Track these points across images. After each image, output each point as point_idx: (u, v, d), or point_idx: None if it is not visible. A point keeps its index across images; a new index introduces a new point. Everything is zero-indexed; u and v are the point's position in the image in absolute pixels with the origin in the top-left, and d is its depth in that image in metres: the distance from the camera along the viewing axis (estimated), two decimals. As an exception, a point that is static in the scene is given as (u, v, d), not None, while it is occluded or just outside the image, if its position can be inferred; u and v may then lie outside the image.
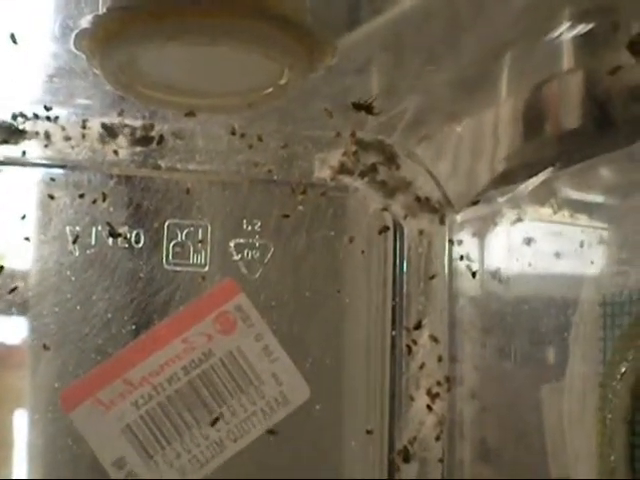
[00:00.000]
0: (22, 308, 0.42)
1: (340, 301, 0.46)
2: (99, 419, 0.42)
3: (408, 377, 0.46)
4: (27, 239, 0.43)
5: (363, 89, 0.41)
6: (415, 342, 0.46)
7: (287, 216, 0.45)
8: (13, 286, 0.42)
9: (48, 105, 0.43)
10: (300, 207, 0.45)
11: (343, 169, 0.46)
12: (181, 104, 0.40)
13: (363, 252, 0.46)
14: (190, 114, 0.41)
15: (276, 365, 0.44)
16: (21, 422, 0.42)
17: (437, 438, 0.45)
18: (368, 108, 0.40)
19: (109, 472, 0.42)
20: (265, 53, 0.35)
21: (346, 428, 0.45)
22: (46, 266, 0.43)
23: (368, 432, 0.45)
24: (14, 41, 0.35)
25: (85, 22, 0.34)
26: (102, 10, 0.33)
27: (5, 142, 0.43)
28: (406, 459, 0.45)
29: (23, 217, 0.43)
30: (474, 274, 0.44)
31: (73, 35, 0.35)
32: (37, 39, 0.36)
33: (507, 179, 0.43)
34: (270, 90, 0.39)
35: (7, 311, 0.42)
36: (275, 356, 0.44)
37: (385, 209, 0.47)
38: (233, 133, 0.44)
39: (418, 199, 0.47)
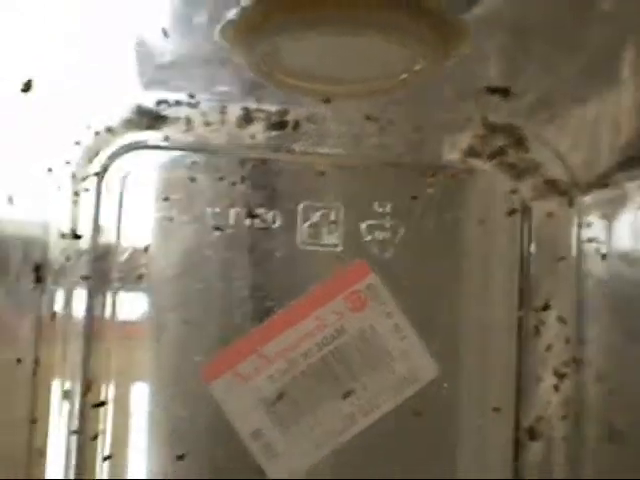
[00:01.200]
0: (165, 285, 0.45)
1: (469, 281, 0.47)
2: (237, 392, 0.44)
3: (535, 357, 0.47)
4: (170, 219, 0.45)
5: (491, 73, 0.42)
6: (543, 323, 0.46)
7: (417, 198, 0.46)
8: (157, 264, 0.45)
9: (191, 93, 0.44)
10: (430, 189, 0.47)
11: (472, 152, 0.47)
12: (318, 91, 0.41)
13: (491, 234, 0.47)
14: (326, 101, 0.42)
15: (405, 343, 0.46)
16: (163, 394, 0.44)
17: (563, 418, 0.46)
18: (504, 92, 0.41)
19: (246, 443, 0.44)
20: (401, 42, 0.36)
21: (473, 406, 0.46)
22: (187, 245, 0.45)
23: (495, 410, 0.46)
24: (165, 35, 0.37)
25: (230, 14, 0.36)
26: (246, 3, 0.35)
27: (149, 128, 0.46)
28: (532, 437, 0.46)
29: (166, 199, 0.45)
30: (604, 256, 0.45)
31: (218, 27, 0.36)
32: (183, 32, 0.38)
33: (634, 162, 0.43)
34: (405, 76, 0.40)
35: (151, 288, 0.45)
36: (405, 334, 0.46)
37: (514, 191, 0.47)
38: (367, 118, 0.45)
39: (546, 181, 0.47)
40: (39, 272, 0.43)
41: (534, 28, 0.37)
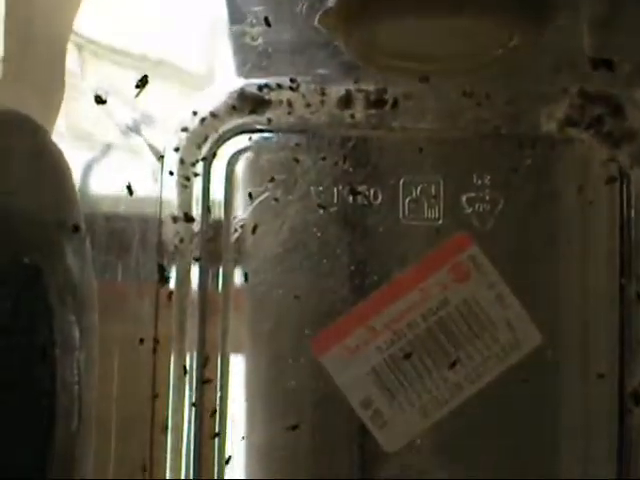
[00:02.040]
0: (275, 262, 0.47)
1: (569, 250, 0.47)
2: (347, 363, 0.46)
3: (638, 323, 0.47)
4: (276, 199, 0.47)
5: (586, 43, 0.42)
6: (645, 289, 0.47)
7: (516, 169, 0.47)
8: (265, 243, 0.47)
9: (292, 77, 0.46)
10: (528, 160, 0.47)
11: (569, 122, 0.48)
12: (415, 70, 0.43)
13: (591, 202, 0.47)
14: (423, 79, 0.43)
15: (509, 312, 0.47)
16: (275, 367, 0.46)
17: (667, 382, 0.47)
18: (607, 64, 0.41)
19: (357, 411, 0.46)
20: (497, 20, 0.37)
21: (577, 372, 0.47)
22: (294, 224, 0.47)
23: (599, 376, 0.47)
24: (268, 24, 0.38)
25: (329, 2, 0.37)
26: (345, -9, 0.36)
27: (253, 112, 0.47)
28: (637, 402, 0.47)
29: (271, 180, 0.47)
30: None
31: (318, 14, 0.38)
32: (285, 20, 0.39)
33: None
34: (500, 52, 0.40)
35: (261, 266, 0.47)
36: (508, 303, 0.47)
37: (612, 159, 0.48)
38: (463, 93, 0.46)
39: (645, 148, 0.48)
40: (156, 254, 0.46)
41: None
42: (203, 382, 0.46)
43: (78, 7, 0.40)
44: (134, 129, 0.46)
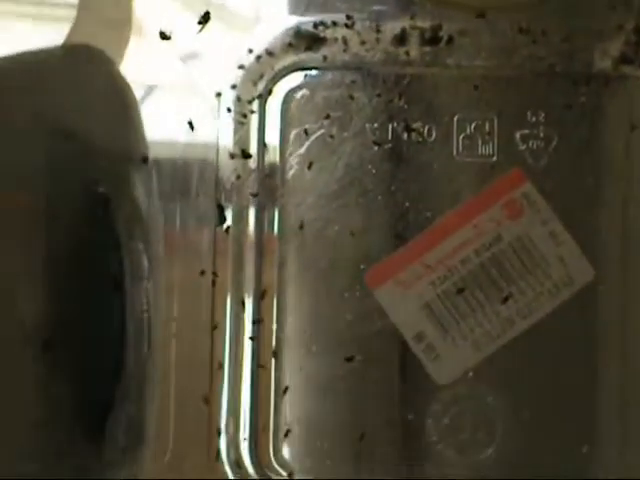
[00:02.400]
0: (330, 199, 0.47)
1: (623, 186, 0.48)
2: (400, 298, 0.47)
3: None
4: (331, 136, 0.47)
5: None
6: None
7: (570, 107, 0.47)
8: (321, 180, 0.47)
9: (347, 14, 0.46)
10: (582, 98, 0.47)
11: (624, 59, 0.48)
12: (472, 6, 0.43)
13: (644, 139, 0.47)
14: (480, 15, 0.44)
15: (562, 248, 0.47)
16: (331, 300, 0.47)
17: None
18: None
19: (411, 343, 0.47)
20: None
21: (630, 306, 0.48)
22: (349, 161, 0.48)
23: (651, 311, 0.47)
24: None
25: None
26: None
27: (309, 49, 0.48)
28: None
29: (326, 117, 0.48)
30: None
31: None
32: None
33: None
34: (558, -13, 0.41)
35: (316, 203, 0.47)
36: (561, 240, 0.47)
37: (667, 96, 0.48)
38: (519, 30, 0.47)
39: (700, 85, 0.48)
40: (214, 191, 0.46)
41: None
42: (259, 318, 0.47)
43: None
44: (192, 67, 0.46)
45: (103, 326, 0.38)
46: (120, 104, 0.39)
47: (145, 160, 0.41)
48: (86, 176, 0.38)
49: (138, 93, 0.44)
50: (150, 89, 0.44)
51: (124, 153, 0.40)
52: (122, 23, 0.40)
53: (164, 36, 0.44)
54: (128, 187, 0.39)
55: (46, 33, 0.40)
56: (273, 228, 0.48)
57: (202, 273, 0.46)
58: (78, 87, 0.37)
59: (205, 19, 0.44)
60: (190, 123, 0.46)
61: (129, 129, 0.40)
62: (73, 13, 0.40)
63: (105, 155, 0.38)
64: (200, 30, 0.45)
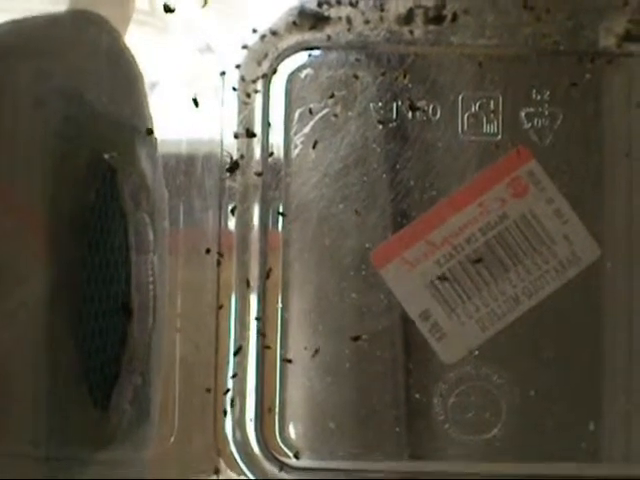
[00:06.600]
0: (334, 178, 0.47)
1: (628, 164, 0.48)
2: (406, 276, 0.47)
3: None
4: (336, 115, 0.47)
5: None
6: None
7: (575, 84, 0.47)
8: (326, 158, 0.47)
9: (353, -8, 0.46)
10: (587, 75, 0.47)
11: (628, 36, 0.48)
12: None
13: (650, 116, 0.47)
14: (485, -9, 0.43)
15: (567, 226, 0.47)
16: (337, 279, 0.47)
17: None
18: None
19: (416, 322, 0.47)
20: None
21: (635, 286, 0.48)
22: (353, 140, 0.47)
23: (656, 290, 0.47)
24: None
25: None
26: None
27: (312, 29, 0.48)
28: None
29: (331, 96, 0.47)
30: None
31: None
32: None
33: None
34: (564, -38, 0.40)
35: (321, 182, 0.47)
36: (566, 218, 0.47)
37: (672, 74, 0.48)
38: (523, 7, 0.46)
39: None
40: (219, 170, 0.46)
41: None
42: (269, 293, 0.47)
43: None
44: (196, 46, 0.46)
45: (109, 296, 0.38)
46: (125, 75, 0.39)
47: (150, 132, 0.41)
48: (93, 142, 0.37)
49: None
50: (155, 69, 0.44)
51: (130, 123, 0.40)
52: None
53: (168, 9, 0.44)
54: (134, 158, 0.39)
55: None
56: (278, 207, 0.48)
57: (207, 251, 0.46)
58: (84, 52, 0.37)
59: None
60: (195, 100, 0.46)
61: (134, 100, 0.40)
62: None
63: (111, 123, 0.38)
64: (204, 4, 0.45)
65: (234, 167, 0.46)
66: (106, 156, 0.37)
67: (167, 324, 0.44)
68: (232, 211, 0.47)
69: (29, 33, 0.37)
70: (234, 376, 0.47)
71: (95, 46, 0.38)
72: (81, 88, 0.37)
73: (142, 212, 0.38)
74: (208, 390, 0.46)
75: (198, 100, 0.46)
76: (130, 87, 0.39)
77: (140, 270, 0.38)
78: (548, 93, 0.47)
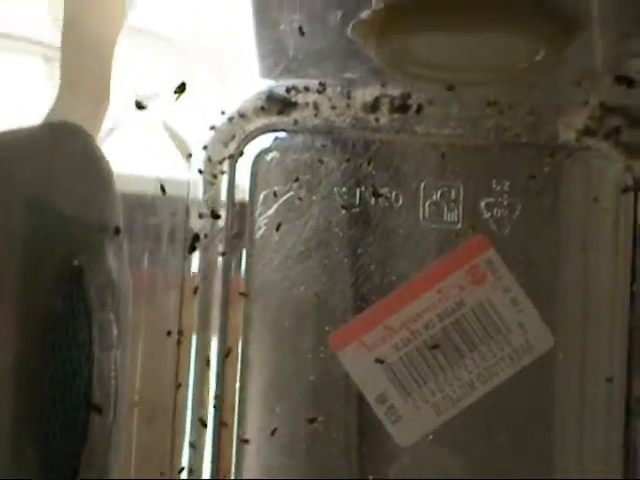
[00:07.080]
0: (296, 261, 0.48)
1: (584, 257, 0.49)
2: (363, 359, 0.48)
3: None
4: (300, 199, 0.48)
5: (604, 57, 0.43)
6: (656, 297, 0.48)
7: (534, 177, 0.48)
8: (289, 241, 0.48)
9: (320, 81, 0.47)
10: (546, 168, 0.49)
11: (587, 131, 0.49)
12: (443, 79, 0.44)
13: (606, 210, 0.49)
14: (450, 88, 0.45)
15: (523, 315, 0.48)
16: (295, 360, 0.48)
17: (675, 386, 0.48)
18: (628, 81, 0.43)
19: (372, 405, 0.47)
20: (525, 35, 0.38)
21: (587, 376, 0.48)
22: (316, 223, 0.48)
23: (608, 380, 0.48)
24: (302, 33, 0.40)
25: (362, 15, 0.38)
26: (377, 6, 0.38)
27: (280, 113, 0.49)
28: (643, 405, 0.48)
29: (296, 179, 0.48)
30: None
31: (351, 25, 0.39)
32: (318, 30, 0.41)
33: None
34: (526, 65, 0.42)
35: (283, 264, 0.48)
36: (522, 307, 0.48)
37: (628, 169, 0.49)
38: (487, 103, 0.48)
39: (661, 160, 0.49)
40: (182, 249, 0.47)
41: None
42: (228, 372, 0.47)
43: (125, 17, 0.41)
44: (163, 129, 0.47)
45: (71, 393, 0.38)
46: (95, 176, 0.40)
47: (117, 231, 0.42)
48: (62, 246, 0.38)
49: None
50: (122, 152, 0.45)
51: (98, 224, 0.40)
52: (101, 98, 0.41)
53: (140, 106, 0.45)
54: (102, 257, 0.40)
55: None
56: (239, 287, 0.48)
57: (169, 334, 0.47)
58: (55, 162, 0.38)
59: (181, 89, 0.45)
60: (162, 187, 0.46)
61: (103, 200, 0.40)
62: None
63: (80, 227, 0.39)
64: (177, 99, 0.46)
65: (197, 247, 0.47)
66: (75, 262, 0.37)
67: (127, 413, 0.44)
68: (195, 290, 0.47)
69: (2, 145, 0.37)
70: (190, 454, 0.47)
71: (67, 154, 0.39)
72: (51, 194, 0.38)
73: (107, 311, 0.39)
74: (165, 468, 0.46)
75: (164, 183, 0.47)
76: (100, 188, 0.40)
77: (103, 366, 0.39)
78: (508, 184, 0.48)
